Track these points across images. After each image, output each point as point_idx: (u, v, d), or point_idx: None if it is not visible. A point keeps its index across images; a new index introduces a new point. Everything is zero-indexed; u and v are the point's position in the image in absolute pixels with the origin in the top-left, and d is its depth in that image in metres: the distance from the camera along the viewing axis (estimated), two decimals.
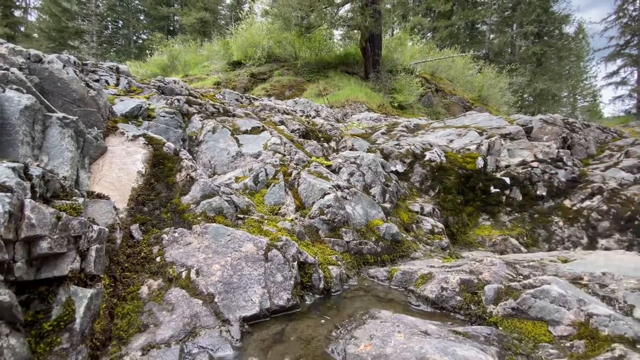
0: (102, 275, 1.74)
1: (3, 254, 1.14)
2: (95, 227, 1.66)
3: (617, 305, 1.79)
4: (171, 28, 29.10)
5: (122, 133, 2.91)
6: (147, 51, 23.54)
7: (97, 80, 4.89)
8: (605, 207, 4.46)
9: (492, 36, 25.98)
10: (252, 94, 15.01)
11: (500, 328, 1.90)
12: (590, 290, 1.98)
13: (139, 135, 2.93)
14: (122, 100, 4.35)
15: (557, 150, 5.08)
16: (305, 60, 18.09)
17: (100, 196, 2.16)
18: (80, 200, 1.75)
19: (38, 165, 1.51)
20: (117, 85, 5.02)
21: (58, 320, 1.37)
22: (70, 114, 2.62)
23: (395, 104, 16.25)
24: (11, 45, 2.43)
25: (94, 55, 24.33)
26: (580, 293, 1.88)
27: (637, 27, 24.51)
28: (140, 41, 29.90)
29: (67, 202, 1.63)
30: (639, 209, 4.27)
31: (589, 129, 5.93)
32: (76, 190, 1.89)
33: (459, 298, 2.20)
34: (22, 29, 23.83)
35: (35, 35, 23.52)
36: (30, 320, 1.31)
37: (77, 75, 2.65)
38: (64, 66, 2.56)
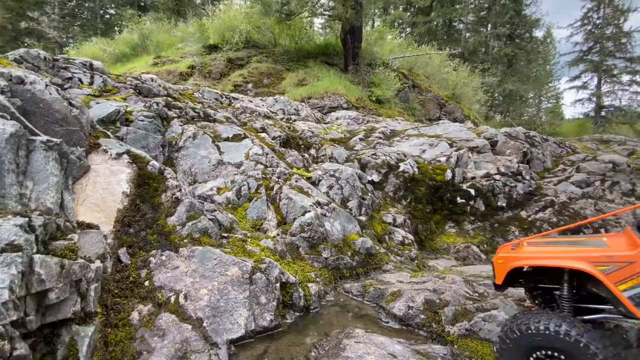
0: (98, 310, 1.85)
1: (19, 312, 1.25)
2: (93, 267, 1.76)
3: None
4: (142, 4, 27.32)
5: (105, 151, 2.92)
6: (116, 28, 22.07)
7: (69, 78, 4.69)
8: (555, 219, 5.00)
9: (467, 35, 26.72)
10: (229, 80, 14.65)
11: (455, 346, 2.22)
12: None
13: (123, 153, 2.95)
14: (98, 103, 4.24)
15: (517, 165, 5.56)
16: (285, 48, 17.78)
17: (90, 226, 2.22)
18: (75, 237, 1.83)
19: (42, 214, 1.58)
20: (91, 84, 4.84)
21: None
22: (53, 134, 2.61)
23: (374, 98, 16.51)
24: None
25: (56, 28, 22.49)
26: None
27: (600, 35, 26.14)
28: (108, 16, 27.88)
29: (64, 242, 1.71)
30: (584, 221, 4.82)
31: (547, 143, 6.48)
32: (68, 224, 1.96)
33: (422, 316, 2.51)
34: None
35: None
36: None
37: (59, 94, 2.61)
38: (47, 86, 2.52)
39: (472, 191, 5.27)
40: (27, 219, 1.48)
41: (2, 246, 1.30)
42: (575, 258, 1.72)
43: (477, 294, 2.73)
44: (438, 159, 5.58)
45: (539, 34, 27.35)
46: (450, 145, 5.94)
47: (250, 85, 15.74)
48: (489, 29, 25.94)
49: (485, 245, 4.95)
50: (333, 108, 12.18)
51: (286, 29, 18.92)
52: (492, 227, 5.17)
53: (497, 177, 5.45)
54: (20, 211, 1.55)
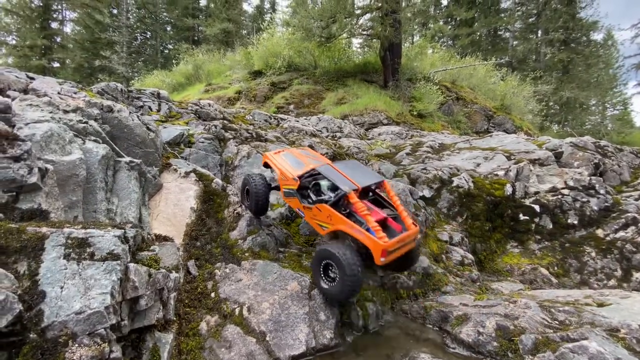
0: (175, 318, 1.95)
1: (117, 316, 1.36)
2: (172, 276, 1.88)
3: None
4: (196, 38, 30.13)
5: (175, 170, 3.17)
6: (173, 60, 24.45)
7: (141, 107, 5.25)
8: None
9: (515, 43, 25.48)
10: (272, 102, 15.37)
11: None
12: (627, 345, 2.04)
13: (190, 172, 3.17)
14: (165, 127, 4.66)
15: (588, 178, 5.03)
16: (325, 69, 18.31)
17: (165, 238, 2.39)
18: (157, 249, 1.98)
19: (133, 227, 1.74)
20: (158, 110, 5.36)
21: None
22: (133, 155, 2.89)
23: (415, 113, 16.19)
24: (87, 97, 2.72)
25: (124, 64, 25.55)
26: (617, 350, 1.95)
27: None
28: (167, 51, 31.12)
29: (149, 253, 1.85)
30: None
31: (622, 154, 5.82)
32: (149, 236, 2.12)
33: (495, 344, 2.30)
34: (59, 39, 25.25)
35: (70, 45, 24.87)
36: None
37: (140, 120, 2.92)
38: (130, 113, 2.84)
39: (537, 207, 4.84)
40: (122, 230, 1.63)
41: (104, 255, 1.45)
42: (279, 168, 3.05)
43: (557, 322, 2.45)
44: (495, 172, 5.25)
45: (597, 37, 25.23)
46: (508, 158, 5.58)
47: (292, 107, 16.30)
48: (539, 35, 24.55)
49: (555, 268, 4.47)
50: (373, 124, 12.14)
51: (326, 51, 19.51)
52: (563, 247, 4.67)
53: (565, 191, 4.97)
54: (114, 224, 1.72)
